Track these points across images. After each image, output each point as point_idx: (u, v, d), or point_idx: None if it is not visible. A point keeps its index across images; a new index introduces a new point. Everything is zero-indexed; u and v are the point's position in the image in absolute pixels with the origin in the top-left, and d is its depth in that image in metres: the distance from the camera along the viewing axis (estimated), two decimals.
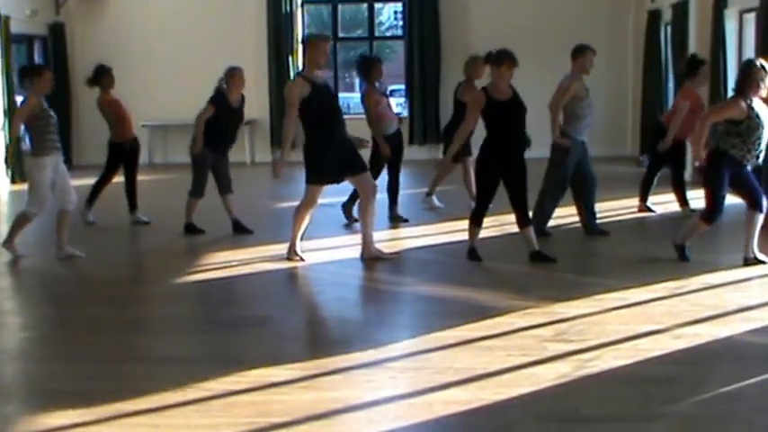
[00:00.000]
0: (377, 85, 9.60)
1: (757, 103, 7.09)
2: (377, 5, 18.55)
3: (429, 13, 16.48)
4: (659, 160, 10.08)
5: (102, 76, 9.98)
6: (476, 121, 7.55)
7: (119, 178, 10.12)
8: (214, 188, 9.28)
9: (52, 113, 8.06)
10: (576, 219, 8.95)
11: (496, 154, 7.47)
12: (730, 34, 12.13)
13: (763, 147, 7.15)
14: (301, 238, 7.92)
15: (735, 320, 5.86)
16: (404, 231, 9.37)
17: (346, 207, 9.62)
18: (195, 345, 5.69)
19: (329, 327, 6.32)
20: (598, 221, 8.93)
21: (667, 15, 14.29)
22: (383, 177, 9.34)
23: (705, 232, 7.54)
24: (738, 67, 7.05)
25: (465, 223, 8.01)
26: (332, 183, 7.75)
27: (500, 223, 8.11)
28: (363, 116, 9.52)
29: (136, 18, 16.58)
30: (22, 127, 8.08)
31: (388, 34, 23.20)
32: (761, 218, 7.24)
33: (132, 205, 10.08)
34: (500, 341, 5.46)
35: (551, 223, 8.77)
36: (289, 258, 7.82)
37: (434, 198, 10.77)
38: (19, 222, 8.20)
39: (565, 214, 9.25)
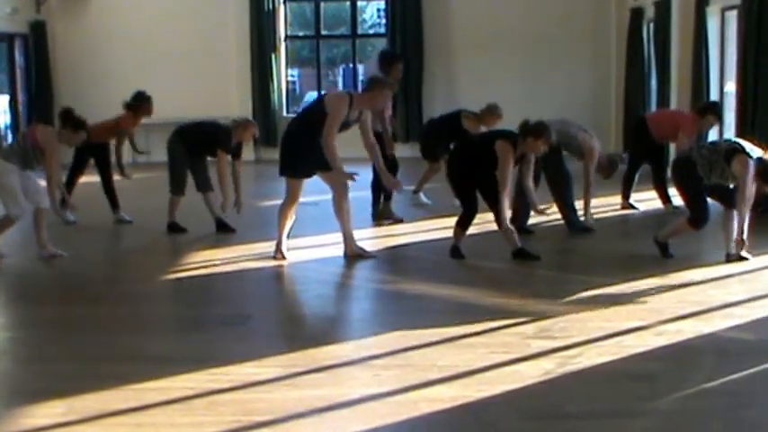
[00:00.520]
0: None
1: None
2: (359, 3, 18.52)
3: (412, 11, 16.50)
4: (639, 157, 10.12)
5: (142, 103, 9.86)
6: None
7: (95, 178, 10.10)
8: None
9: None
10: (559, 216, 8.98)
11: (465, 164, 7.64)
12: (712, 32, 12.19)
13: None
14: (288, 236, 7.91)
15: (717, 317, 5.88)
16: (388, 229, 9.37)
17: (376, 210, 9.66)
18: (178, 343, 5.66)
19: (313, 325, 6.30)
20: (581, 218, 8.96)
21: (650, 13, 14.35)
22: (369, 176, 9.32)
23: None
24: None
25: (450, 220, 8.02)
26: (304, 177, 7.75)
27: (483, 221, 8.11)
28: None
29: (118, 16, 16.53)
30: None
31: (370, 32, 23.16)
32: (736, 215, 7.25)
33: (114, 204, 10.04)
34: (483, 339, 5.46)
35: (532, 221, 8.79)
36: (274, 257, 7.81)
37: (422, 195, 10.81)
38: (1, 225, 8.15)
39: (548, 212, 9.27)
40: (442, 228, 8.75)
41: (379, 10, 21.44)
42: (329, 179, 7.75)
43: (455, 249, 7.77)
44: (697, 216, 7.28)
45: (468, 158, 7.74)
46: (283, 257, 7.79)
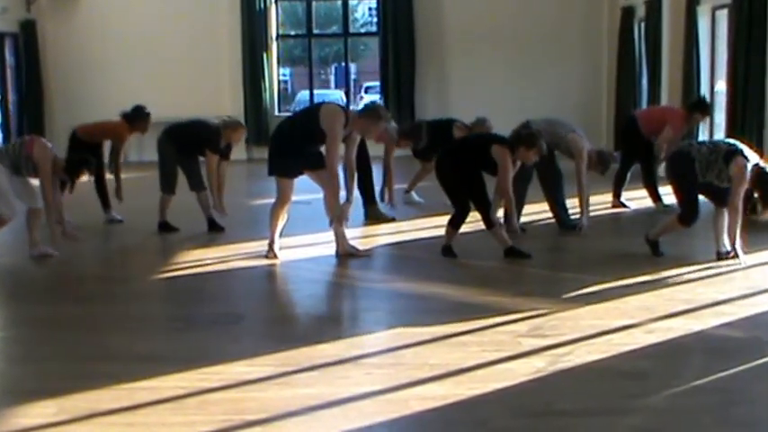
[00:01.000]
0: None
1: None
2: (351, 2, 18.53)
3: (403, 9, 16.50)
4: (631, 156, 10.14)
5: (139, 119, 9.83)
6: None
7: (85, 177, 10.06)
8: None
9: None
10: (550, 215, 9.00)
11: (456, 166, 7.64)
12: (703, 30, 12.24)
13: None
14: (280, 236, 7.91)
15: (707, 314, 5.90)
16: (381, 227, 9.37)
17: (368, 209, 9.68)
18: (169, 343, 5.66)
19: (304, 323, 6.31)
20: (572, 217, 8.98)
21: (641, 12, 14.38)
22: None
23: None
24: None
25: (442, 219, 8.03)
26: (292, 176, 7.76)
27: (475, 219, 8.12)
28: None
29: (108, 15, 16.49)
30: None
31: (362, 31, 23.18)
32: (726, 213, 7.29)
33: (105, 204, 10.03)
34: (475, 337, 5.47)
35: (524, 219, 8.80)
36: (266, 256, 7.81)
37: (414, 194, 10.82)
38: None
39: (538, 210, 9.29)
40: (434, 226, 8.76)
41: (370, 9, 21.45)
42: (318, 178, 7.75)
43: (447, 249, 7.78)
44: (687, 213, 7.31)
45: (459, 159, 7.73)
46: (275, 256, 7.78)
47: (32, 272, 7.85)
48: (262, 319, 6.29)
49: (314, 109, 7.76)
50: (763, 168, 7.00)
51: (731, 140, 7.62)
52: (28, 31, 16.04)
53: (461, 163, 7.67)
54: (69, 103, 16.04)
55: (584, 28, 16.45)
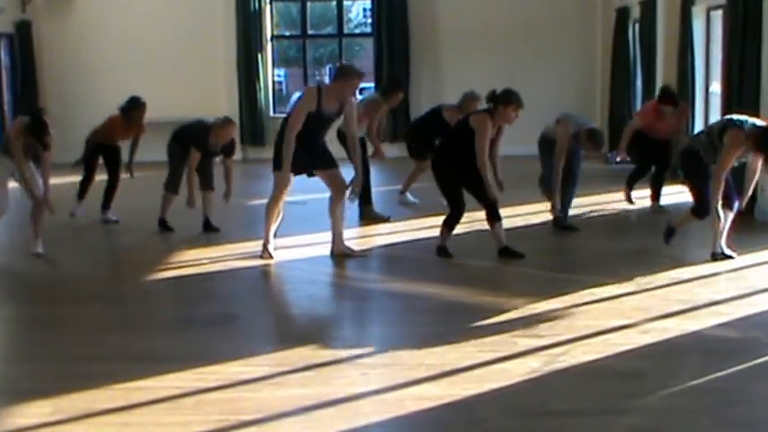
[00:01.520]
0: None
1: None
2: (346, 3, 18.52)
3: (398, 10, 16.48)
4: (646, 160, 10.09)
5: (132, 109, 9.83)
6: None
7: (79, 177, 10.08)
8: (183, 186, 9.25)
9: None
10: (547, 214, 9.00)
11: (451, 167, 7.65)
12: (698, 31, 12.23)
13: None
14: (275, 235, 7.91)
15: (703, 315, 5.91)
16: (376, 228, 9.37)
17: (363, 209, 9.68)
18: (165, 343, 5.65)
19: (300, 324, 6.30)
20: (569, 217, 8.99)
21: (635, 13, 14.39)
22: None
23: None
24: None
25: (437, 219, 8.03)
26: (300, 173, 7.73)
27: (471, 219, 8.13)
28: None
29: (104, 15, 16.45)
30: None
31: (357, 32, 23.17)
32: (730, 215, 7.34)
33: (106, 204, 10.01)
34: (470, 337, 5.47)
35: (523, 220, 8.81)
36: (261, 257, 7.80)
37: (408, 194, 10.82)
38: None
39: (534, 210, 9.30)
40: (429, 227, 8.76)
41: (365, 9, 21.43)
42: (328, 178, 7.76)
43: (442, 249, 7.78)
44: (701, 206, 7.41)
45: (451, 152, 7.69)
46: (270, 257, 7.78)
47: (28, 272, 7.83)
48: (257, 319, 6.29)
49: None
50: (761, 127, 7.03)
51: (723, 118, 7.74)
52: (23, 31, 16.00)
53: (456, 159, 7.62)
54: (64, 103, 15.99)
55: (578, 29, 16.45)
